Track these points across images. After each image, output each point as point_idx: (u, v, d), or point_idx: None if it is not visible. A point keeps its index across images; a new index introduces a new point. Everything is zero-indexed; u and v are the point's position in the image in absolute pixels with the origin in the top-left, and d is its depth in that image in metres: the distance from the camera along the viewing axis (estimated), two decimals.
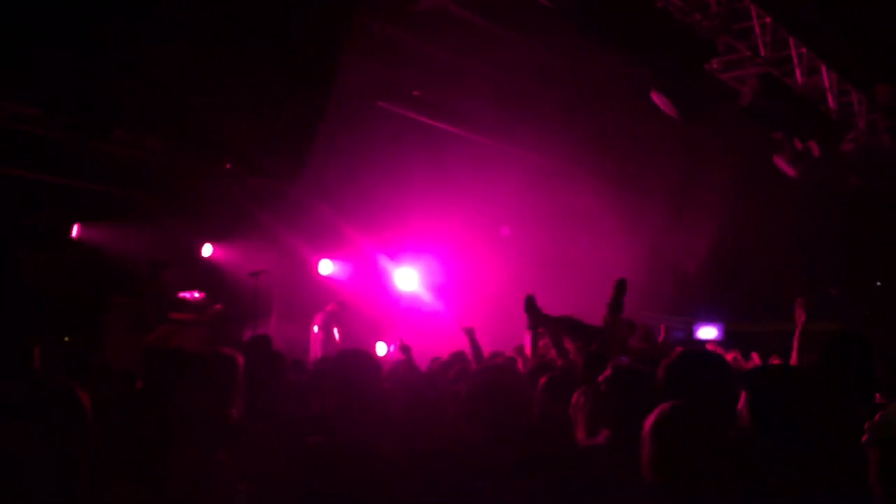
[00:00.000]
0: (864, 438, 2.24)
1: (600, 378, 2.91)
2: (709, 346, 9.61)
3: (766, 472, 2.44)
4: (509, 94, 10.75)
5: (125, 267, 10.24)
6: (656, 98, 8.11)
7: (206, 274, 11.95)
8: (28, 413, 2.41)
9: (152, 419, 3.68)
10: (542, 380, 4.19)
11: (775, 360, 7.47)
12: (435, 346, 8.91)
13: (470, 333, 7.06)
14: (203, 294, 10.89)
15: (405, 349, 6.07)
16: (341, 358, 3.96)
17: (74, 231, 10.53)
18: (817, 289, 14.36)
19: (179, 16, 6.50)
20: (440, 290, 13.45)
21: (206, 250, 11.80)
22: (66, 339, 9.14)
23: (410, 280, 13.32)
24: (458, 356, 6.51)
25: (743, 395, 2.65)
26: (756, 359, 8.47)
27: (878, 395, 3.56)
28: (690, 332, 15.76)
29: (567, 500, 2.58)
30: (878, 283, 14.33)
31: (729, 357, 8.36)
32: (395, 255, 13.38)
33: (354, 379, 3.88)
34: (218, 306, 9.74)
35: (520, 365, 6.99)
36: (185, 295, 10.62)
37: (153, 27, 6.70)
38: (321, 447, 3.63)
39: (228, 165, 7.09)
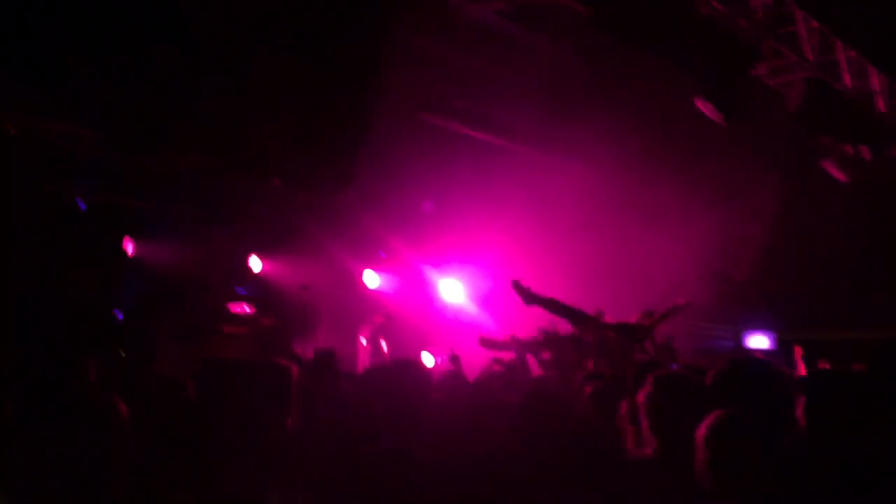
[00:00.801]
0: None
1: (643, 388, 2.90)
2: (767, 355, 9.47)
3: (821, 479, 2.42)
4: (551, 103, 10.74)
5: (176, 282, 10.44)
6: (701, 104, 8.05)
7: (256, 287, 12.13)
8: (66, 423, 2.49)
9: (206, 429, 3.76)
10: (588, 389, 4.19)
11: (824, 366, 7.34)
12: (481, 357, 8.91)
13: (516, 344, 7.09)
14: (253, 307, 11.06)
15: (454, 359, 6.11)
16: (391, 368, 4.01)
17: (126, 247, 10.77)
18: (867, 296, 14.05)
19: (224, 34, 6.63)
20: (486, 301, 13.45)
21: (256, 264, 11.98)
22: (122, 353, 9.38)
23: (456, 291, 13.35)
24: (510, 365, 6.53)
25: (800, 401, 2.64)
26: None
27: None
28: (740, 341, 15.50)
29: None
30: None
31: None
32: (441, 266, 13.42)
33: (404, 389, 3.93)
34: (268, 320, 9.88)
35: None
36: (236, 308, 10.80)
37: (197, 46, 6.86)
38: (369, 456, 3.68)
39: (277, 182, 7.19)
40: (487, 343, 7.14)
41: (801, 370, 7.63)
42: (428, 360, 12.08)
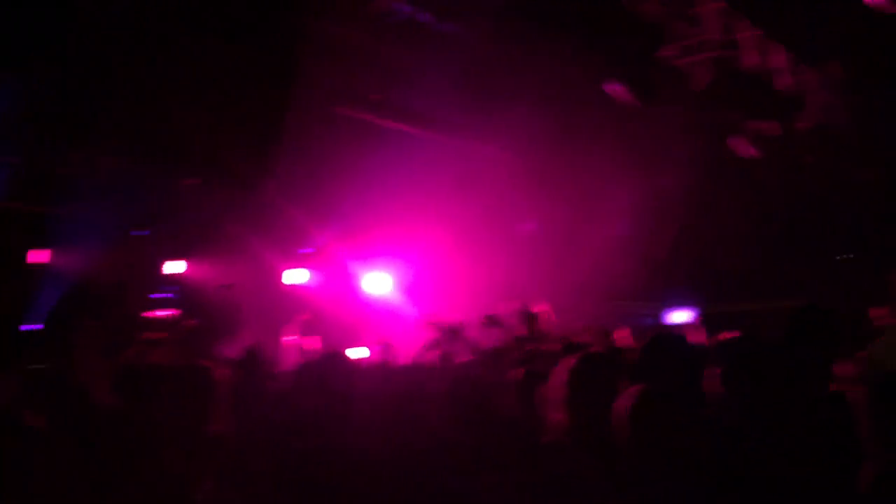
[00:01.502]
0: (852, 377, 2.32)
1: (564, 367, 2.94)
2: (686, 329, 9.72)
3: (739, 447, 2.49)
4: (467, 90, 10.78)
5: (93, 289, 10.13)
6: (612, 87, 8.21)
7: (177, 290, 11.86)
8: None
9: (130, 437, 3.67)
10: (521, 372, 4.22)
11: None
12: (410, 349, 8.92)
13: (444, 335, 7.13)
14: (174, 311, 10.80)
15: (385, 346, 6.10)
16: (318, 363, 3.98)
17: (40, 256, 10.39)
18: (781, 267, 14.57)
19: (134, 33, 6.45)
20: (412, 293, 13.45)
21: (175, 267, 11.71)
22: (40, 365, 9.04)
23: (382, 284, 13.31)
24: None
25: (718, 370, 2.72)
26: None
27: (841, 365, 3.65)
28: (664, 318, 15.89)
29: (540, 494, 2.61)
30: (838, 258, 14.57)
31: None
32: (366, 259, 13.35)
33: (332, 383, 3.90)
34: (190, 322, 9.65)
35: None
36: (155, 313, 10.53)
37: (107, 45, 6.66)
38: (300, 452, 3.65)
39: (193, 181, 7.04)
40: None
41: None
42: (359, 353, 12.03)
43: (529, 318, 7.06)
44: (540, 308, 10.91)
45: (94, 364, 8.67)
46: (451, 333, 7.30)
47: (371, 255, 13.29)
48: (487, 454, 2.82)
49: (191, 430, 3.65)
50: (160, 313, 10.53)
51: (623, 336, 7.78)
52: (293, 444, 3.84)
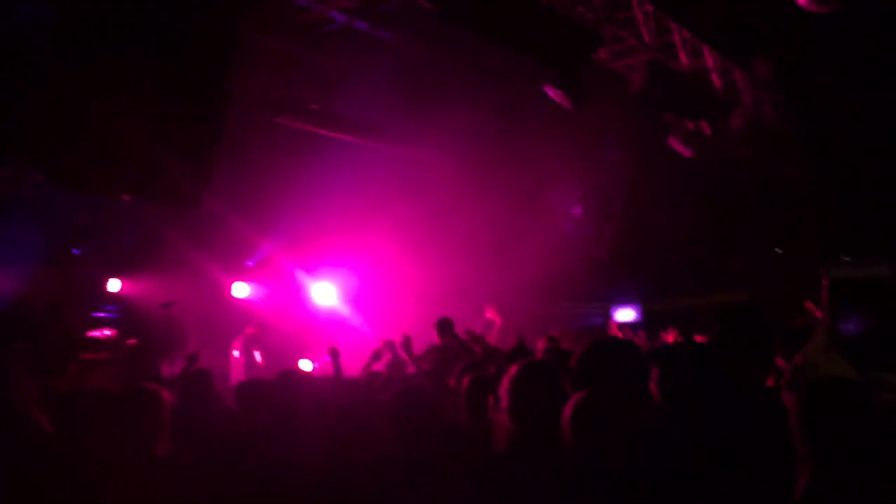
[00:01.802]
0: (782, 384, 2.36)
1: (507, 376, 2.94)
2: (621, 330, 9.84)
3: (676, 448, 2.52)
4: (404, 97, 10.78)
5: (26, 311, 9.83)
6: (549, 91, 8.27)
7: (116, 309, 11.59)
8: None
9: (67, 465, 3.57)
10: (465, 380, 4.21)
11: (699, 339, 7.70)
12: (357, 359, 8.86)
13: (390, 347, 7.12)
14: (114, 331, 10.55)
15: (334, 353, 6.03)
16: (277, 380, 3.93)
17: None
18: (721, 262, 14.90)
19: (55, 40, 6.27)
20: (359, 301, 13.39)
21: (113, 285, 11.45)
22: None
23: (328, 294, 13.21)
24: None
25: (653, 374, 2.75)
26: (672, 337, 8.71)
27: (779, 359, 3.73)
28: (608, 317, 16.10)
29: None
30: (777, 251, 14.95)
31: (669, 337, 8.60)
32: (311, 270, 13.24)
33: (279, 399, 3.85)
34: (131, 342, 9.43)
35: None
36: (95, 333, 10.27)
37: (25, 53, 6.47)
38: (249, 470, 3.60)
39: (127, 197, 6.86)
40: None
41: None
42: (306, 365, 11.91)
43: (476, 335, 7.08)
44: (488, 315, 10.96)
45: (28, 388, 8.44)
46: (398, 343, 7.28)
47: (316, 265, 13.19)
48: (434, 465, 2.81)
49: (134, 455, 3.56)
50: (99, 333, 10.28)
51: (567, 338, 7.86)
52: (238, 464, 3.78)
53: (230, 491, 3.59)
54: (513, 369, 2.92)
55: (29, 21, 6.62)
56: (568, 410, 2.56)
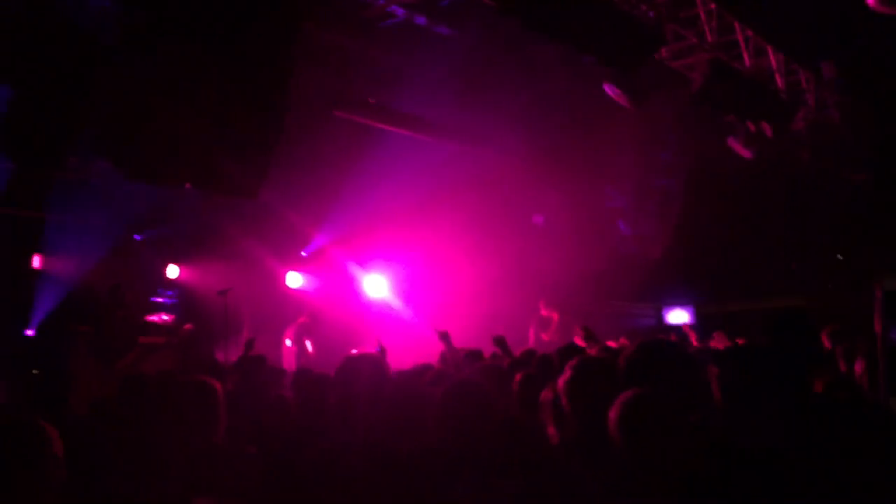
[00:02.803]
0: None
1: (565, 372, 2.95)
2: (683, 328, 9.76)
3: (733, 451, 2.51)
4: (462, 93, 10.80)
5: (89, 294, 10.12)
6: (609, 89, 8.22)
7: (175, 295, 11.86)
8: None
9: (131, 446, 3.67)
10: (518, 377, 4.22)
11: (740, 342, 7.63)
12: (407, 352, 8.93)
13: (444, 337, 7.14)
14: (172, 316, 10.81)
15: (381, 350, 6.09)
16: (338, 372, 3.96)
17: (35, 262, 10.39)
18: (779, 266, 14.62)
19: (127, 36, 6.45)
20: (410, 295, 13.47)
21: (172, 271, 11.71)
22: (35, 372, 9.04)
23: (380, 287, 13.33)
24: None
25: (713, 374, 2.74)
26: (722, 338, 8.59)
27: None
28: (661, 318, 15.93)
29: (538, 501, 2.62)
30: (839, 257, 14.61)
31: (718, 342, 8.51)
32: (364, 262, 13.37)
33: (349, 391, 3.87)
34: (188, 327, 9.66)
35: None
36: (153, 318, 10.53)
37: (100, 49, 6.65)
38: (302, 457, 3.66)
39: (188, 186, 7.02)
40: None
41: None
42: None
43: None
44: (544, 312, 10.95)
45: (89, 369, 8.71)
46: (449, 338, 7.31)
47: (369, 258, 13.31)
48: (487, 459, 2.83)
49: (193, 442, 3.64)
50: (157, 318, 10.54)
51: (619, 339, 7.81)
52: (292, 453, 3.85)
53: (284, 478, 3.65)
54: (571, 366, 2.93)
55: (101, 15, 6.82)
56: (615, 410, 2.56)
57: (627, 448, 2.46)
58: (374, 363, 3.99)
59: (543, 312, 10.95)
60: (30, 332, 10.00)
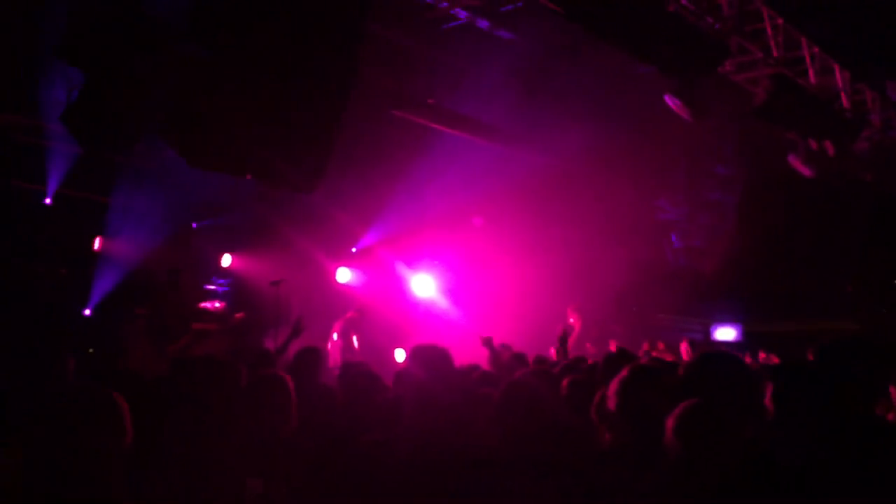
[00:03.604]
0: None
1: (617, 378, 2.97)
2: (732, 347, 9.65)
3: (787, 465, 2.50)
4: (521, 98, 10.81)
5: (146, 278, 10.37)
6: (669, 100, 8.17)
7: (226, 283, 12.09)
8: (69, 418, 2.51)
9: (187, 427, 3.76)
10: (565, 382, 4.24)
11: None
12: (453, 352, 8.96)
13: (488, 343, 7.20)
14: (223, 304, 11.02)
15: (488, 343, 6.14)
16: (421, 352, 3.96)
17: (96, 244, 10.68)
18: (834, 288, 14.33)
19: (194, 28, 6.60)
20: (456, 295, 13.52)
21: (226, 260, 11.94)
22: (90, 350, 9.30)
23: (427, 286, 13.40)
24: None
25: (769, 390, 2.74)
26: (773, 359, 8.50)
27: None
28: (708, 334, 15.75)
29: (590, 501, 2.64)
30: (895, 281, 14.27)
31: (761, 356, 8.44)
32: (412, 261, 13.46)
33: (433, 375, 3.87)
34: (239, 315, 9.84)
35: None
36: (206, 305, 10.75)
37: (167, 43, 6.83)
38: (353, 449, 3.71)
39: (249, 177, 7.16)
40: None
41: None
42: (400, 355, 12.12)
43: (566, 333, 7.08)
44: (571, 318, 10.92)
45: (143, 351, 8.92)
46: (492, 343, 7.38)
47: (418, 257, 13.40)
48: (538, 461, 2.86)
49: (263, 435, 3.69)
50: (210, 305, 10.75)
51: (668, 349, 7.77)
52: (337, 444, 3.90)
53: (331, 469, 3.69)
54: (623, 372, 2.95)
55: (172, 3, 7.00)
56: (674, 418, 2.57)
57: (683, 456, 2.47)
58: (447, 356, 4.00)
59: (570, 320, 10.94)
60: (88, 312, 10.29)
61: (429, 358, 3.41)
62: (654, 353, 8.51)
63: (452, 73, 10.71)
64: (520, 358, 6.50)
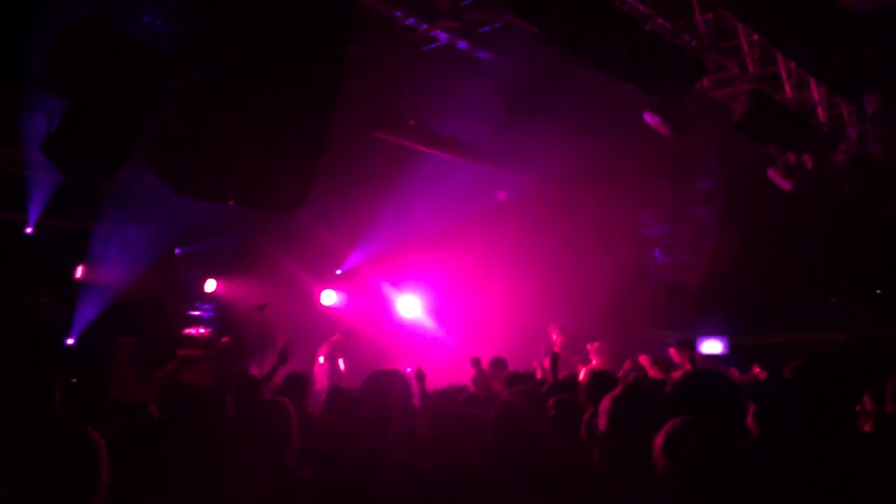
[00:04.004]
0: None
1: (608, 397, 2.98)
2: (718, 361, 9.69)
3: (775, 481, 2.52)
4: (503, 118, 10.87)
5: (130, 305, 10.31)
6: (649, 118, 8.24)
7: (210, 309, 12.03)
8: (46, 453, 2.50)
9: (173, 455, 3.74)
10: (551, 401, 4.25)
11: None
12: (440, 372, 8.96)
13: (476, 363, 7.21)
14: (208, 329, 10.97)
15: (420, 376, 6.14)
16: (377, 378, 3.99)
17: (79, 272, 10.61)
18: (818, 300, 14.43)
19: (172, 50, 6.62)
20: (442, 315, 13.52)
21: (210, 285, 11.89)
22: (74, 380, 9.22)
23: (413, 307, 13.39)
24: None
25: (751, 408, 2.75)
26: (758, 371, 8.52)
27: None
28: (694, 348, 15.77)
29: None
30: (878, 291, 14.40)
31: (755, 370, 8.48)
32: (397, 282, 13.45)
33: (382, 408, 3.90)
34: (224, 339, 9.80)
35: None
36: (191, 331, 10.70)
37: (147, 66, 6.84)
38: (339, 472, 3.69)
39: (232, 202, 7.15)
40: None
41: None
42: None
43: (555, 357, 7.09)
44: (553, 336, 10.93)
45: (128, 379, 8.86)
46: (480, 364, 7.38)
47: (403, 278, 13.39)
48: (528, 481, 2.86)
49: (266, 462, 3.65)
50: (195, 331, 10.69)
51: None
52: (328, 467, 3.88)
53: (318, 496, 3.66)
54: (616, 391, 2.96)
55: (153, 32, 7.02)
56: (661, 437, 2.58)
57: (671, 475, 2.48)
58: (402, 379, 4.03)
59: (552, 337, 10.95)
60: (71, 341, 10.21)
61: (377, 384, 3.48)
62: (639, 365, 8.55)
63: (435, 94, 10.76)
64: (511, 379, 6.49)
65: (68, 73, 6.78)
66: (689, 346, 9.34)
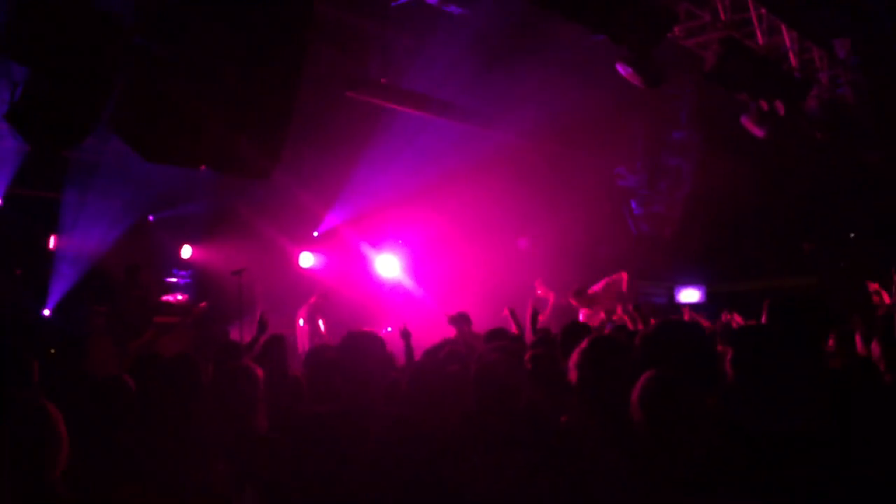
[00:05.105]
0: None
1: (577, 350, 2.99)
2: (686, 313, 9.75)
3: (747, 433, 2.55)
4: (475, 74, 10.77)
5: (105, 274, 10.22)
6: (621, 69, 8.18)
7: (187, 275, 11.96)
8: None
9: (150, 426, 3.72)
10: (528, 356, 4.27)
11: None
12: (421, 330, 8.99)
13: (454, 321, 7.23)
14: (186, 296, 10.91)
15: (405, 335, 6.15)
16: (345, 346, 3.99)
17: (51, 242, 10.49)
18: (792, 246, 14.60)
19: (139, 16, 6.48)
20: (421, 274, 13.54)
21: (186, 252, 11.81)
22: (52, 351, 9.15)
23: (392, 267, 13.39)
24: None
25: (728, 353, 2.79)
26: (736, 318, 8.63)
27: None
28: (672, 297, 15.96)
29: (555, 475, 2.68)
30: (851, 235, 14.57)
31: (724, 318, 8.57)
32: (376, 242, 13.43)
33: (362, 367, 3.91)
34: (202, 305, 9.74)
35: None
36: (168, 298, 10.64)
37: (114, 28, 6.69)
38: (323, 438, 3.69)
39: (203, 167, 7.06)
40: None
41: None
42: None
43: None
44: (540, 291, 10.99)
45: (105, 349, 8.80)
46: (464, 318, 7.40)
47: (381, 238, 13.37)
48: (504, 436, 2.89)
49: (234, 430, 3.63)
50: (172, 298, 10.63)
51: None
52: (310, 435, 3.87)
53: (302, 460, 3.66)
54: (583, 344, 2.98)
55: None
56: (637, 389, 2.60)
57: (648, 428, 2.51)
58: (378, 340, 4.04)
59: (540, 293, 10.99)
60: (47, 312, 10.13)
61: (353, 345, 3.50)
62: (614, 318, 8.60)
63: (405, 51, 10.63)
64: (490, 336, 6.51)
65: (31, 39, 6.61)
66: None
